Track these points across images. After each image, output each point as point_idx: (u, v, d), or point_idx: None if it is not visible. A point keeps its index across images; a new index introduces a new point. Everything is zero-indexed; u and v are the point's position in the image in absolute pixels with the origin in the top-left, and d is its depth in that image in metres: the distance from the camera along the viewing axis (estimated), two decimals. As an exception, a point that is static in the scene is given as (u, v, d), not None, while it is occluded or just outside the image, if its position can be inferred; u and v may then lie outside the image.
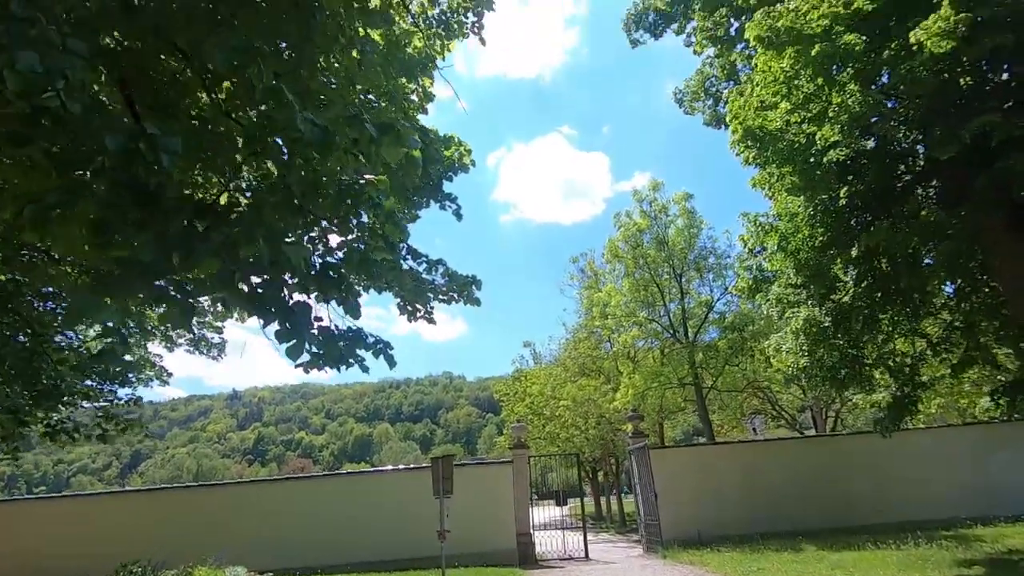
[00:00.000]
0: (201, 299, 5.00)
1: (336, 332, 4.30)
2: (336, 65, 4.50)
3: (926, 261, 12.92)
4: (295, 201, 3.53)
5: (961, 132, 8.88)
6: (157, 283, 3.27)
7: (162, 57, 3.68)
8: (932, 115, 10.19)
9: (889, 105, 10.49)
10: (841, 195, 12.04)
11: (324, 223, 4.03)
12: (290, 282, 3.54)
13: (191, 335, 13.97)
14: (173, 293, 3.00)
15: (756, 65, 11.79)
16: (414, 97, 8.42)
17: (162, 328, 12.65)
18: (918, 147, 12.32)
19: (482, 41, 7.80)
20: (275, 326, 3.67)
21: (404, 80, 8.40)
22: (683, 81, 19.80)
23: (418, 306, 6.57)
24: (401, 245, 6.43)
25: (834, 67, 10.69)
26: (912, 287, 12.60)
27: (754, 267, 15.43)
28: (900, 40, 10.17)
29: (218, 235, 2.91)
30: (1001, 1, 8.23)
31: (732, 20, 16.95)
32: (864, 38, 10.39)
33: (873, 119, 10.86)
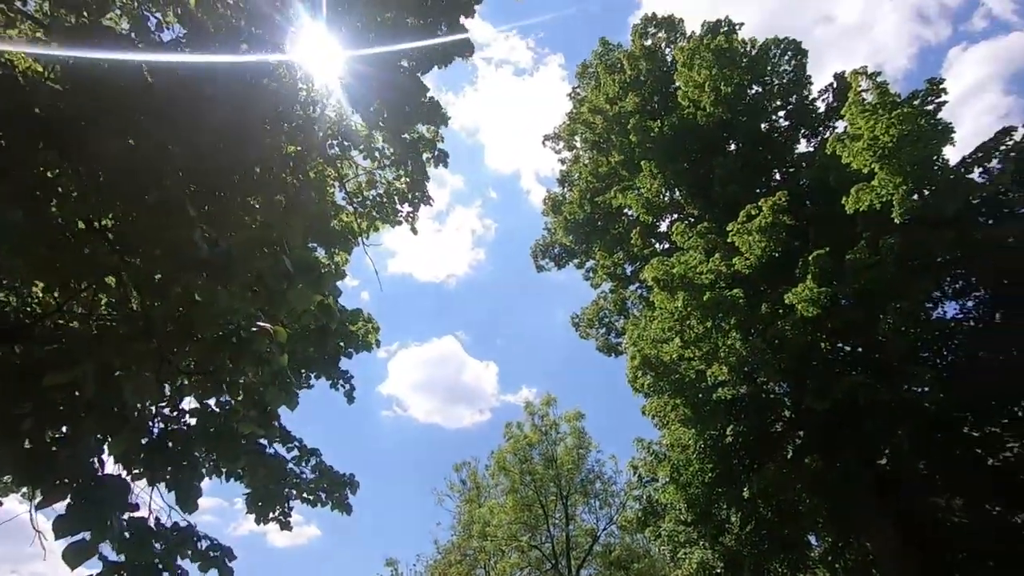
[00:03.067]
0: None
1: (155, 528, 3.04)
2: (257, 206, 4.03)
3: (801, 509, 13.15)
4: (152, 340, 2.68)
5: (833, 389, 9.82)
6: None
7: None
8: (802, 369, 11.35)
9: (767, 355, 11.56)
10: (727, 433, 12.49)
11: (183, 377, 3.11)
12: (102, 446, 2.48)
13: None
14: None
15: (654, 301, 12.95)
16: (323, 271, 8.03)
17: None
18: (785, 399, 13.52)
19: (414, 231, 7.85)
20: (61, 507, 2.48)
21: (320, 252, 8.09)
22: (580, 308, 21.34)
23: (274, 504, 5.18)
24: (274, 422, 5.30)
25: (720, 315, 11.93)
26: (793, 537, 12.58)
27: (644, 497, 14.98)
28: (770, 302, 11.69)
29: (10, 352, 1.98)
30: (854, 282, 9.87)
31: (627, 264, 19.16)
32: (743, 295, 11.88)
33: (747, 368, 11.88)
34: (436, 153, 7.89)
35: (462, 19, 7.84)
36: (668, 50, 17.24)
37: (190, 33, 4.65)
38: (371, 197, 7.92)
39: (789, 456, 12.78)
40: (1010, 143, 10.00)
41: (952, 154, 9.89)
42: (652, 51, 17.59)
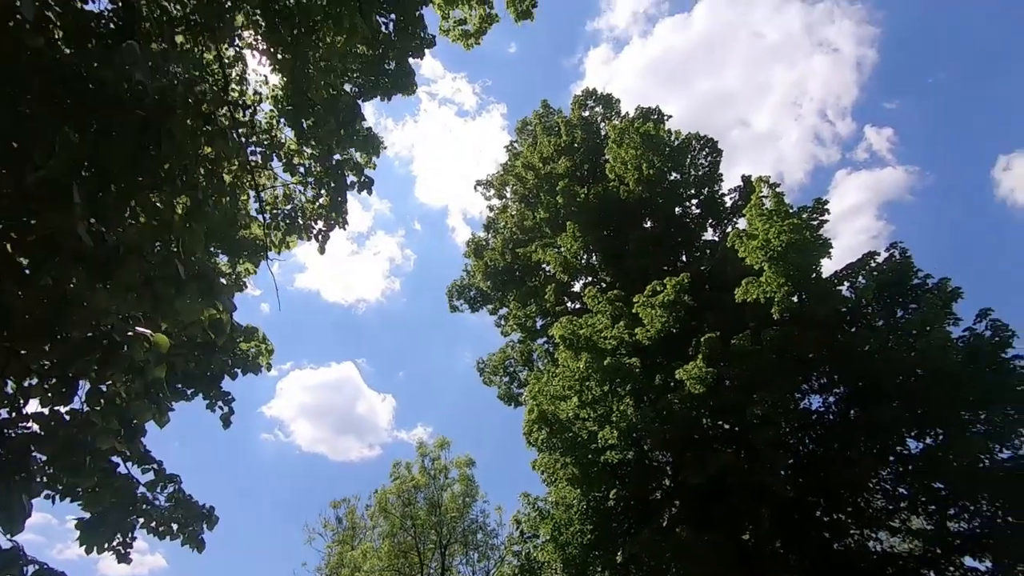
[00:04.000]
0: None
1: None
2: (159, 204, 3.77)
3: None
4: (2, 332, 2.40)
5: (708, 464, 10.42)
6: None
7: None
8: (685, 442, 11.98)
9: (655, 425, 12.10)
10: (611, 496, 12.78)
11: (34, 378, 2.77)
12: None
13: None
14: None
15: (558, 358, 13.28)
16: (223, 280, 7.62)
17: None
18: (667, 468, 14.14)
19: (322, 250, 7.66)
20: None
21: (224, 259, 7.70)
22: (487, 354, 21.37)
23: (114, 533, 4.55)
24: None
25: (618, 380, 12.42)
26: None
27: (523, 554, 14.85)
28: (663, 375, 12.34)
29: None
30: (736, 366, 10.70)
31: (539, 318, 19.58)
32: (640, 364, 12.46)
33: (635, 434, 12.37)
34: (363, 179, 7.82)
35: (411, 59, 8.01)
36: (603, 124, 18.44)
37: (119, 9, 4.39)
38: (286, 211, 7.67)
39: (664, 524, 13.26)
40: (873, 265, 11.55)
41: (828, 265, 11.30)
42: (588, 122, 18.73)
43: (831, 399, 13.16)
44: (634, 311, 12.27)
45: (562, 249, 16.29)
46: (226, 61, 6.71)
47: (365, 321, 60.71)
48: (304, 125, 7.60)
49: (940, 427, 11.14)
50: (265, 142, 7.71)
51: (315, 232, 8.04)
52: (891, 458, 11.76)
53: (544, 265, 18.26)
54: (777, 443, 12.11)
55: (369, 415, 58.01)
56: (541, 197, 17.60)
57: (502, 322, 21.20)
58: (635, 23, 61.10)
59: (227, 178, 7.08)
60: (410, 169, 66.45)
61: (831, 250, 10.50)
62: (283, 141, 7.84)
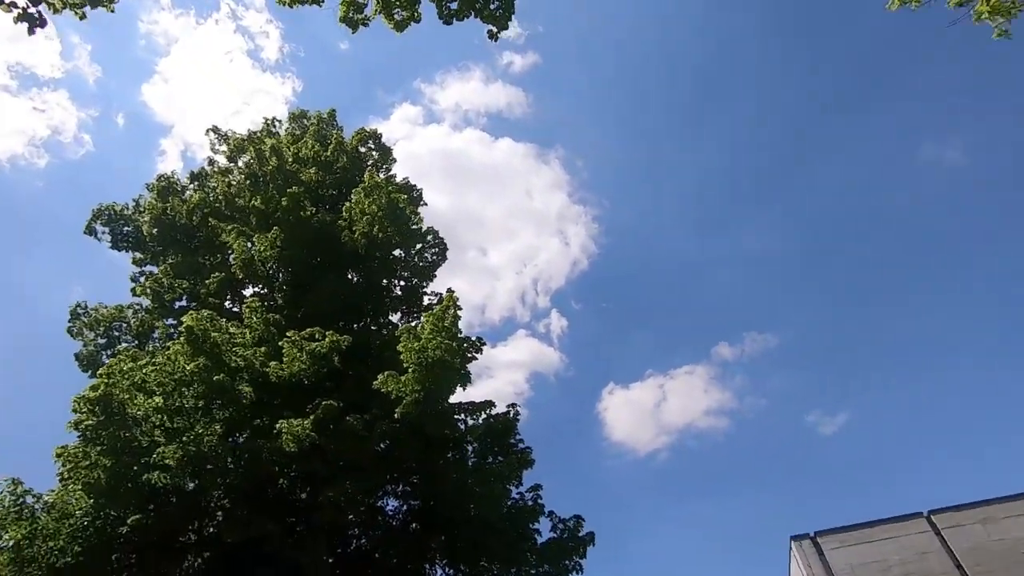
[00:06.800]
0: None
1: None
2: None
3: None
4: None
5: (252, 525, 9.68)
6: None
7: None
8: (250, 495, 11.04)
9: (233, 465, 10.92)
10: (128, 522, 10.67)
11: None
12: None
13: None
14: None
15: (170, 349, 11.33)
16: None
17: None
18: (219, 514, 12.71)
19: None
20: None
21: None
22: (98, 302, 17.19)
23: None
24: None
25: (220, 401, 11.08)
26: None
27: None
28: (269, 419, 11.45)
29: None
30: (338, 443, 10.63)
31: (186, 299, 16.77)
32: (254, 398, 11.41)
33: (208, 466, 10.97)
34: (27, 11, 6.00)
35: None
36: (368, 168, 18.33)
37: None
38: None
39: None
40: (491, 412, 13.39)
41: (460, 395, 12.68)
42: (359, 158, 18.46)
43: (404, 507, 13.97)
44: (281, 344, 11.48)
45: (254, 249, 14.79)
46: None
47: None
48: None
49: (465, 565, 12.70)
50: None
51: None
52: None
53: (228, 252, 16.20)
54: (337, 528, 12.10)
55: None
56: (269, 188, 16.07)
57: (140, 278, 17.60)
58: (455, 112, 65.40)
59: None
60: (155, 60, 54.39)
61: (469, 383, 11.86)
62: None
